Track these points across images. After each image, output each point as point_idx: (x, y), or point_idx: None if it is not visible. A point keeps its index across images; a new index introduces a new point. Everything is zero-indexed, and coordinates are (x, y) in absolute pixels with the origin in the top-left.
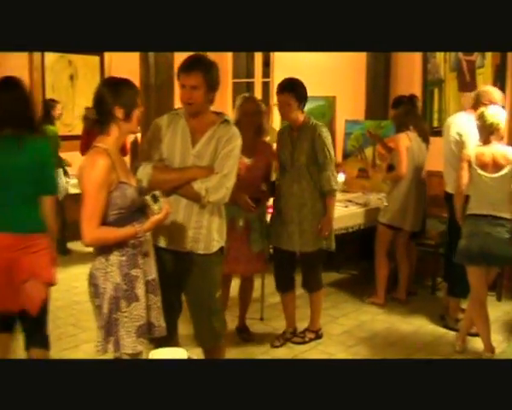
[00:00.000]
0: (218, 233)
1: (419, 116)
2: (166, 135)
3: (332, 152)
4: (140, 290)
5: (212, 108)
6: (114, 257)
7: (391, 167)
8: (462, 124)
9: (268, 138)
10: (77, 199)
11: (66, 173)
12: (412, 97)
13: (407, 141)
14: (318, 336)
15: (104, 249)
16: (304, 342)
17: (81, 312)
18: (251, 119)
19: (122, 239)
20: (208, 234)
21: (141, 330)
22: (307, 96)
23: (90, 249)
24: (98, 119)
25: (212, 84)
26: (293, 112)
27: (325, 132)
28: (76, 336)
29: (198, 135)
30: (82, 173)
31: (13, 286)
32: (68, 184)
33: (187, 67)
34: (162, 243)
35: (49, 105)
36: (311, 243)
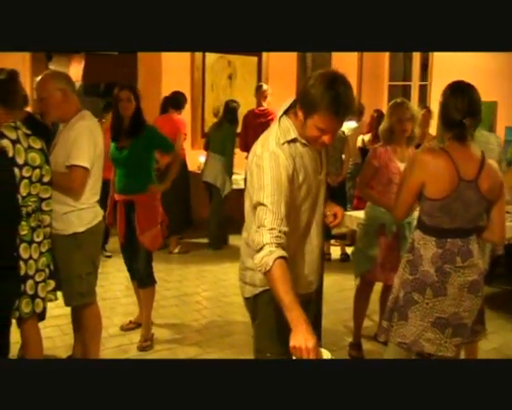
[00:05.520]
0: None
1: None
2: (296, 171)
3: None
4: None
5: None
6: None
7: None
8: None
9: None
10: (240, 194)
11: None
12: None
13: None
14: None
15: None
16: None
17: (228, 304)
18: (405, 125)
19: None
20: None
21: None
22: None
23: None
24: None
25: None
26: None
27: None
28: (221, 327)
29: (319, 157)
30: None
31: None
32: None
33: (342, 114)
34: None
35: (231, 106)
36: None
